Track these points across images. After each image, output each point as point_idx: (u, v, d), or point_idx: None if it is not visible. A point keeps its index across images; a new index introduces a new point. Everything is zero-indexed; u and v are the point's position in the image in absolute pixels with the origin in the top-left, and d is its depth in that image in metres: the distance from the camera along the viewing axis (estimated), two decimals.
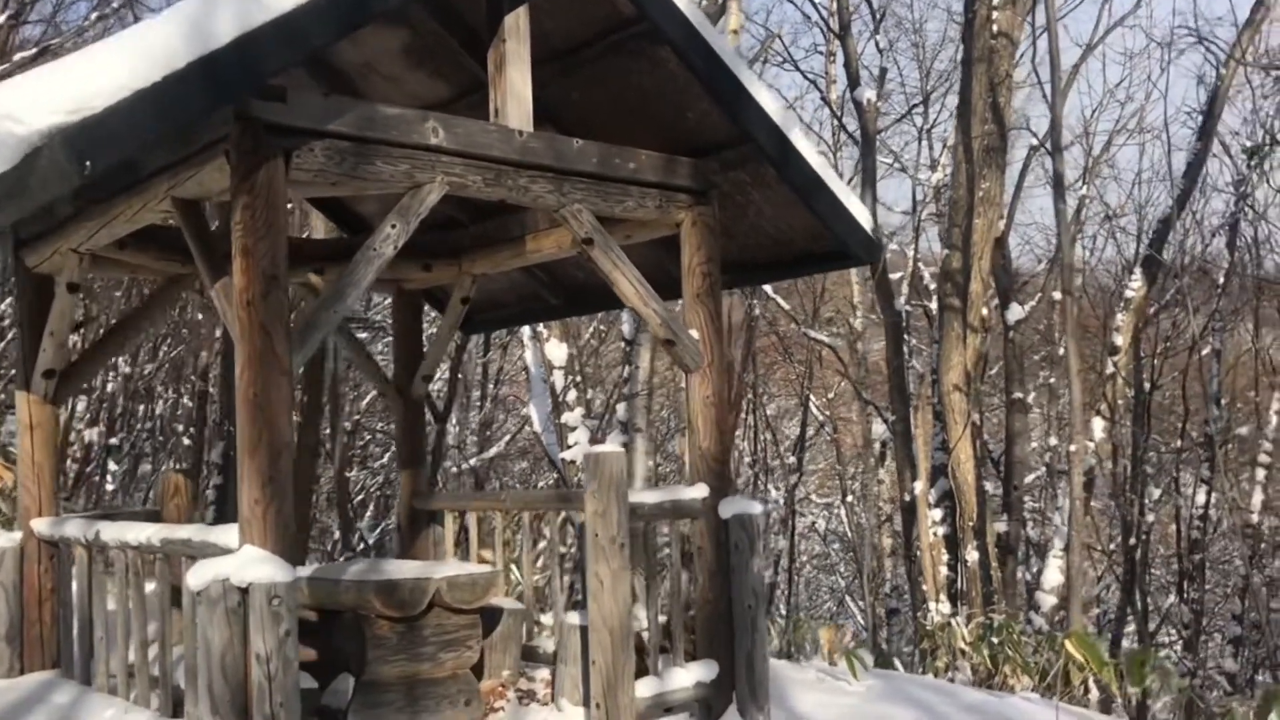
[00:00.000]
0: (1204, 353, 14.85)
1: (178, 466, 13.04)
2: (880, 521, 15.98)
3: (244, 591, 3.82)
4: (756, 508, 5.32)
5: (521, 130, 4.81)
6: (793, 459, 18.93)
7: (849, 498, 19.03)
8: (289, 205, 11.72)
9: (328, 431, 13.54)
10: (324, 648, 5.25)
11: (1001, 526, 11.79)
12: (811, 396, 19.27)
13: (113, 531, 4.83)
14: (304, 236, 9.99)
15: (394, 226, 4.40)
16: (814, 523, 22.74)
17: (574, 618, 5.17)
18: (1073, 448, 9.06)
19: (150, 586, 4.76)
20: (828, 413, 20.36)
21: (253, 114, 4.00)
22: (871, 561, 15.73)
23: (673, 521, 5.30)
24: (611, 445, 5.61)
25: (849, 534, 19.57)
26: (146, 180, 4.52)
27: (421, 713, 5.01)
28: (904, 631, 12.93)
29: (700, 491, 5.26)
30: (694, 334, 5.37)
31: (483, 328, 8.36)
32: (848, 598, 20.21)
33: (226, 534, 4.02)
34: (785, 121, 5.25)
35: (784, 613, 17.57)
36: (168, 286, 6.04)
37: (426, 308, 7.39)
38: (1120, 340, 11.70)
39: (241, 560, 3.85)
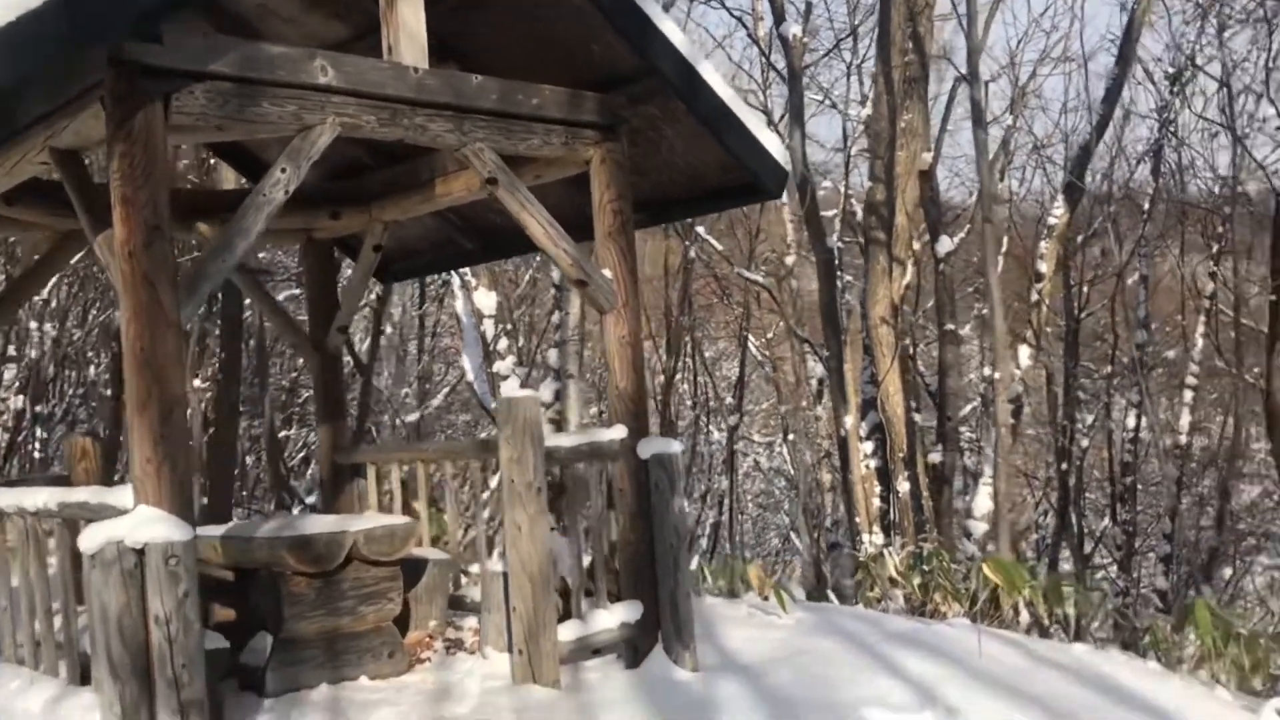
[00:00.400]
0: (1131, 279, 15.05)
1: (102, 429, 12.75)
2: (820, 457, 16.09)
3: (140, 553, 3.71)
4: (675, 446, 5.28)
5: (416, 67, 4.65)
6: (731, 400, 18.97)
7: (790, 435, 19.13)
8: (212, 160, 11.46)
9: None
10: (241, 606, 5.17)
11: (936, 457, 11.91)
12: (750, 337, 19.27)
13: (9, 498, 4.68)
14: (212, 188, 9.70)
15: (284, 171, 4.24)
16: (756, 462, 22.91)
17: (497, 565, 5.12)
18: (997, 375, 9.13)
19: (53, 552, 4.62)
20: (767, 353, 20.40)
21: (127, 56, 3.82)
22: (815, 497, 15.84)
23: (590, 464, 5.24)
24: (524, 390, 5.53)
25: (791, 471, 19.71)
26: (23, 131, 4.32)
27: (343, 667, 4.95)
28: (844, 565, 13.07)
29: (619, 433, 5.20)
30: (607, 273, 5.29)
31: (399, 276, 8.19)
32: (792, 534, 20.41)
33: (121, 495, 3.89)
34: (692, 53, 5.14)
35: (729, 551, 17.72)
36: (62, 244, 5.82)
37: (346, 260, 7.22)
38: (1045, 268, 11.77)
39: (135, 521, 3.73)
